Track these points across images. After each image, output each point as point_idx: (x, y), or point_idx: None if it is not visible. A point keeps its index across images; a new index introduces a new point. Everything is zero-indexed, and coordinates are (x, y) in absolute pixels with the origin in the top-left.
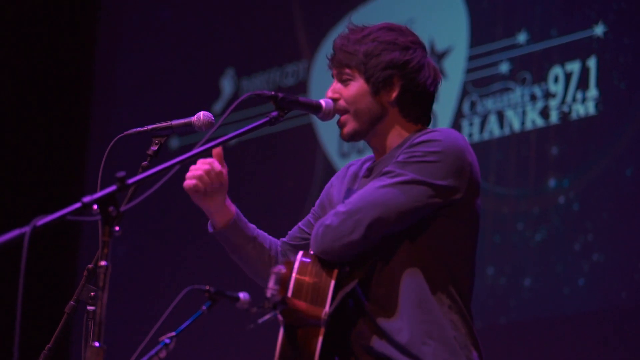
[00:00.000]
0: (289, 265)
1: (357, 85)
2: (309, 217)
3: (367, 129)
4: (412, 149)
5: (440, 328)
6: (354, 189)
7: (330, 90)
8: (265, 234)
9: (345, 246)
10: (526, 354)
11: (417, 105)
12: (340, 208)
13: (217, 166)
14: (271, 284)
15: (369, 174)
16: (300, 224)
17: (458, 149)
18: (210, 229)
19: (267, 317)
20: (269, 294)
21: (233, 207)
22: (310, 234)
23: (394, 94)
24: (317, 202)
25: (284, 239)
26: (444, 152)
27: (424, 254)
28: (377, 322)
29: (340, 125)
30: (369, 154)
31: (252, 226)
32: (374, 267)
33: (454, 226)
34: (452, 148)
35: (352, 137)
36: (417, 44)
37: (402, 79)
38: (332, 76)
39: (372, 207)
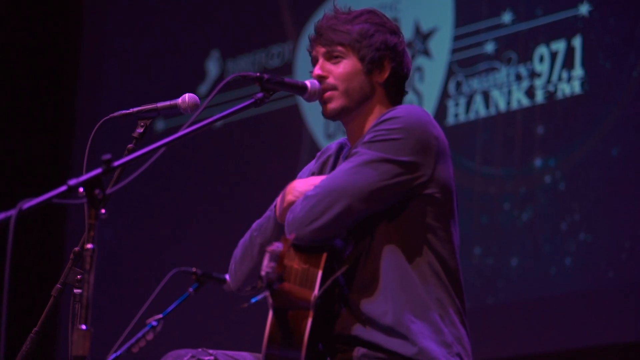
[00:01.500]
0: (286, 241)
1: (351, 64)
2: None
3: (354, 107)
4: (376, 128)
5: (424, 307)
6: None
7: (318, 67)
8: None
9: (315, 231)
10: (514, 334)
11: (399, 88)
12: (309, 193)
13: None
14: (266, 262)
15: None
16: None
17: (421, 124)
18: None
19: (260, 296)
20: (263, 272)
21: None
22: None
23: (385, 75)
24: None
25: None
26: (407, 129)
27: (403, 234)
28: (361, 308)
29: (325, 100)
30: None
31: None
32: (357, 253)
33: (429, 202)
34: (415, 123)
35: (338, 114)
36: (399, 30)
37: (393, 61)
38: (314, 58)
39: (340, 190)
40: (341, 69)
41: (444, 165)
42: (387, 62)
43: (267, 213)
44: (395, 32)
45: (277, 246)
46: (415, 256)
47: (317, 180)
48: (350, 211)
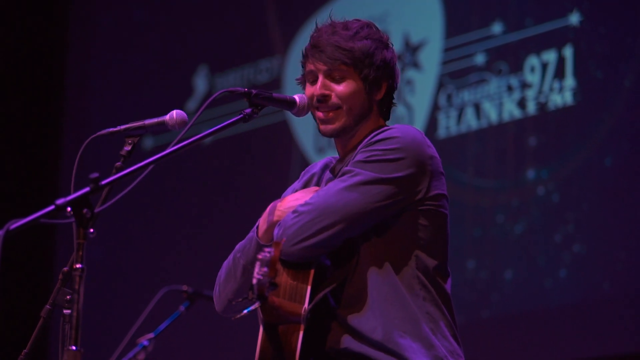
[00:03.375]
0: (277, 245)
1: (353, 83)
2: None
3: (353, 126)
4: (371, 147)
5: (415, 322)
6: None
7: (320, 86)
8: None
9: (303, 249)
10: (509, 348)
11: (390, 103)
12: (300, 208)
13: None
14: (257, 269)
15: (334, 174)
16: None
17: (417, 144)
18: None
19: (252, 307)
20: (254, 280)
21: None
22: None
23: (382, 93)
24: None
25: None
26: (403, 149)
27: (393, 250)
28: (350, 324)
29: (327, 119)
30: None
31: None
32: (347, 268)
33: (421, 219)
34: (411, 144)
35: (340, 133)
36: (390, 41)
37: (389, 78)
38: (310, 72)
39: (331, 210)
40: (344, 89)
41: (438, 183)
42: (384, 81)
43: (250, 234)
44: (388, 45)
45: (267, 251)
46: (404, 270)
47: (297, 198)
48: (342, 232)
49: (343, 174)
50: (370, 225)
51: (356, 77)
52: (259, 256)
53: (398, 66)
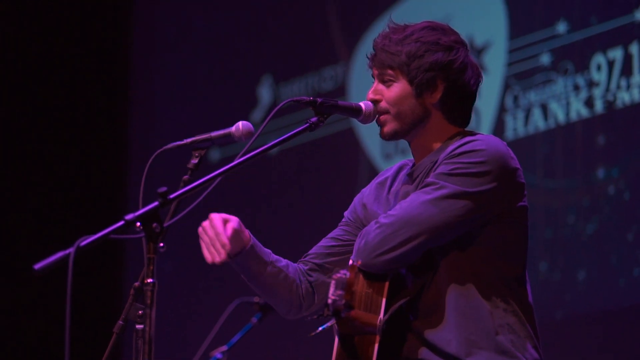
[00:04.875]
0: (352, 268)
1: (400, 87)
2: (337, 231)
3: (407, 130)
4: (455, 160)
5: (493, 334)
6: (393, 194)
7: (372, 91)
8: (283, 258)
9: (386, 262)
10: (584, 348)
11: (460, 106)
12: (383, 220)
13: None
14: (332, 289)
15: (410, 179)
16: (325, 240)
17: (502, 158)
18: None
19: (327, 324)
20: (330, 300)
21: (247, 233)
22: (342, 246)
23: (438, 96)
24: (347, 212)
25: (305, 259)
26: (488, 162)
27: (473, 261)
28: (426, 336)
29: (380, 124)
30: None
31: (268, 251)
32: (424, 279)
33: (502, 231)
34: (496, 157)
35: (392, 137)
36: (460, 43)
37: (446, 80)
38: (372, 76)
39: (415, 223)
40: (392, 93)
41: (520, 195)
42: (440, 82)
43: None
44: (452, 47)
45: (343, 273)
46: (483, 282)
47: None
48: (424, 245)
49: (426, 185)
50: (451, 237)
51: (404, 81)
52: (335, 276)
53: (474, 66)
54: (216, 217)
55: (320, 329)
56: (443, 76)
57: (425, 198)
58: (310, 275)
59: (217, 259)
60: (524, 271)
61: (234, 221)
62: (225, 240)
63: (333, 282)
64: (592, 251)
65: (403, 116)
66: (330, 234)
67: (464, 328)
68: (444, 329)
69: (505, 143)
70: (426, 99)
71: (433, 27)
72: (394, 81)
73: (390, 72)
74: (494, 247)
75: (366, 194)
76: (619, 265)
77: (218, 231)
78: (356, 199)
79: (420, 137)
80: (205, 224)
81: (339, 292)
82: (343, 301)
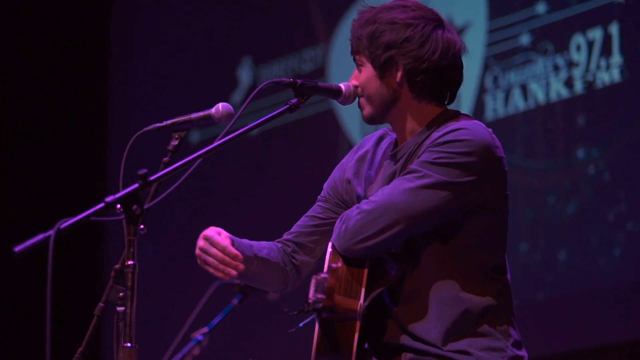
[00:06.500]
0: (333, 272)
1: (367, 71)
2: (317, 208)
3: (382, 113)
4: (440, 148)
5: (473, 322)
6: (374, 169)
7: (352, 77)
8: (263, 243)
9: (365, 249)
10: (566, 329)
11: (428, 82)
12: (364, 206)
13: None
14: (312, 290)
15: (394, 159)
16: (304, 219)
17: (487, 148)
18: None
19: (307, 320)
20: (310, 300)
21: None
22: (322, 225)
23: (399, 75)
24: (326, 186)
25: (286, 239)
26: (474, 153)
27: (454, 250)
28: (406, 323)
29: (360, 108)
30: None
31: (247, 243)
32: (404, 266)
33: (483, 219)
34: (481, 148)
35: (371, 121)
36: (420, 18)
37: (404, 58)
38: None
39: (396, 211)
40: (362, 77)
41: (503, 183)
42: (399, 60)
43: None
44: (409, 24)
45: (323, 277)
46: (462, 269)
47: None
48: (404, 233)
49: (409, 172)
50: (432, 226)
51: (369, 64)
52: (318, 277)
53: (438, 38)
54: (213, 234)
55: (300, 325)
56: (400, 54)
57: (407, 186)
58: (294, 258)
59: (234, 272)
60: (503, 257)
61: (221, 230)
62: (235, 251)
63: (314, 281)
64: (573, 231)
65: (373, 99)
66: (310, 212)
67: (445, 316)
68: (424, 317)
69: (490, 130)
70: (390, 79)
71: (391, 7)
72: (362, 65)
73: (358, 57)
74: (475, 236)
75: (348, 167)
76: (600, 246)
77: (223, 245)
78: (336, 174)
79: (397, 118)
80: (203, 245)
81: (320, 295)
82: (323, 305)
